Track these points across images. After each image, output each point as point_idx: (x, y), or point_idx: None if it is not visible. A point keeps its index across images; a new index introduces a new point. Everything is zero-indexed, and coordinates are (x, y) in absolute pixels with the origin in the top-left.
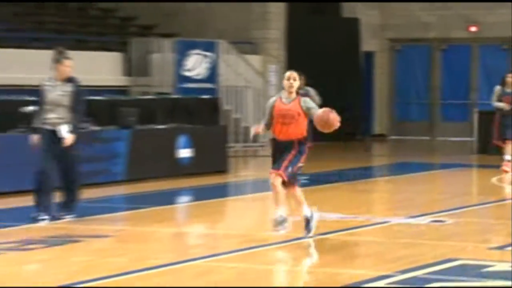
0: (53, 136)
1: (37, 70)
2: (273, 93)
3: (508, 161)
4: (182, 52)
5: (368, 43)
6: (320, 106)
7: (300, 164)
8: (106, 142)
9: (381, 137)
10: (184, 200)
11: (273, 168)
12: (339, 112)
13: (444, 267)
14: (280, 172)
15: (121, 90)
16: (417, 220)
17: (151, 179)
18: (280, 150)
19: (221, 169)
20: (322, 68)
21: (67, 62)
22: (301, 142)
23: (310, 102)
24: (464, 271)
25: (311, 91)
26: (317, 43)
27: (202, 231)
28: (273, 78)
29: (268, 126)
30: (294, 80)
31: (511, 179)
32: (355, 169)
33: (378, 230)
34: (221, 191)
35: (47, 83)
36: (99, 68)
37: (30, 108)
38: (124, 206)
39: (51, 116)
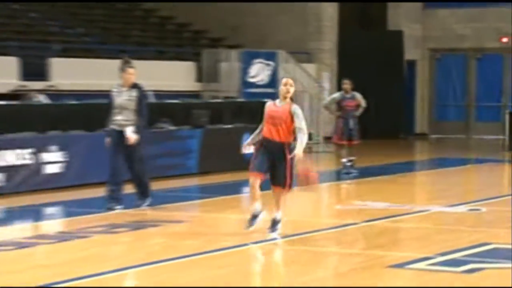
0: (120, 136)
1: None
2: (326, 96)
3: None
4: (247, 61)
5: (410, 53)
6: (365, 109)
7: (294, 170)
8: (181, 140)
9: (422, 136)
10: (248, 191)
11: (276, 184)
12: (385, 114)
13: (478, 251)
14: (287, 189)
15: (194, 95)
16: (455, 209)
17: (220, 172)
18: (269, 150)
19: None
20: (369, 75)
21: (130, 70)
22: (289, 146)
23: (299, 110)
24: (497, 254)
25: (357, 95)
26: (365, 53)
27: (264, 217)
28: (326, 84)
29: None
30: (291, 86)
31: None
32: (399, 163)
33: (420, 217)
34: None
35: (115, 89)
36: (176, 75)
37: None
38: (197, 196)
39: (119, 118)
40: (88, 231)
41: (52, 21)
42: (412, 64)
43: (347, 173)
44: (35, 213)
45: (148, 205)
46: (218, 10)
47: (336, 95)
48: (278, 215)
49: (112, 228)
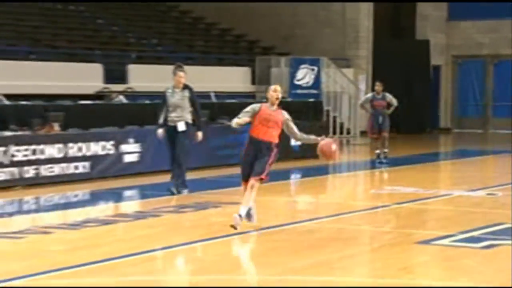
0: (174, 130)
1: (189, 81)
2: (362, 96)
3: None
4: (294, 66)
5: (436, 59)
6: (396, 108)
7: (272, 165)
8: (237, 133)
9: (446, 130)
10: (294, 177)
11: (254, 175)
12: (413, 112)
13: (494, 229)
14: (263, 176)
15: (249, 95)
16: (475, 193)
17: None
18: (257, 149)
19: None
20: (400, 78)
21: (180, 74)
22: (276, 146)
23: (288, 115)
24: (510, 232)
25: (388, 95)
26: (396, 59)
27: (308, 200)
28: (362, 86)
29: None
30: (280, 93)
31: None
32: (426, 154)
33: (444, 201)
34: (323, 171)
35: (169, 90)
36: (233, 79)
37: None
38: None
39: (172, 115)
40: (160, 211)
41: (130, 33)
42: (437, 68)
43: (380, 163)
44: (116, 196)
45: (189, 191)
46: (270, 22)
47: (369, 95)
48: (244, 211)
49: (180, 209)
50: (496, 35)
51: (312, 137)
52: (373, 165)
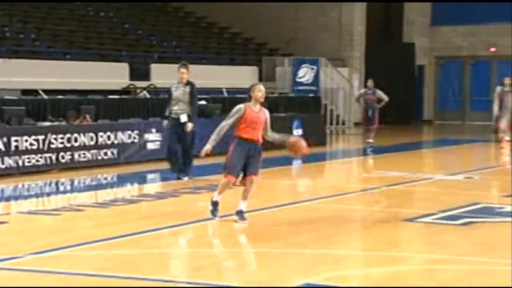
0: (176, 122)
1: (204, 78)
2: (355, 92)
3: (508, 140)
4: (296, 66)
5: (420, 59)
6: (387, 103)
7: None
8: None
9: (428, 122)
10: (295, 163)
11: (253, 173)
12: (400, 105)
13: (471, 208)
14: (259, 175)
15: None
16: (454, 177)
17: (276, 149)
18: (247, 150)
19: (321, 142)
20: (389, 76)
21: (182, 70)
22: (261, 145)
23: (268, 113)
24: (485, 211)
25: (378, 91)
26: (386, 60)
27: (309, 183)
28: (355, 83)
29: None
30: (264, 93)
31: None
32: (411, 143)
33: (427, 183)
34: (321, 157)
35: (174, 85)
36: (243, 76)
37: (202, 102)
38: None
39: (175, 108)
40: (179, 192)
41: (153, 36)
42: (421, 68)
43: (367, 150)
44: (140, 178)
45: (190, 177)
46: (275, 27)
47: (362, 91)
48: (245, 205)
49: (196, 190)
50: (473, 38)
51: (279, 136)
52: (365, 152)
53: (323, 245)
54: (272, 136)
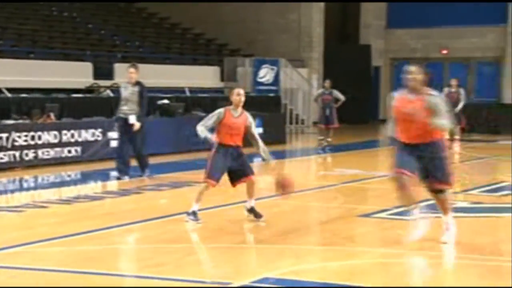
0: (125, 122)
1: (167, 78)
2: (314, 92)
3: (457, 139)
4: (257, 66)
5: (376, 61)
6: (344, 103)
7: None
8: None
9: (384, 121)
10: (257, 160)
11: (250, 174)
12: (357, 105)
13: (423, 204)
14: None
15: (218, 90)
16: None
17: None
18: (229, 154)
19: (281, 141)
20: (346, 77)
21: (131, 70)
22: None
23: (252, 119)
24: (436, 206)
25: (335, 91)
26: (343, 61)
27: (268, 180)
28: (314, 83)
29: (212, 130)
30: (243, 96)
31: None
32: (367, 141)
33: (381, 181)
34: (281, 155)
35: (123, 85)
36: (205, 76)
37: (165, 101)
38: None
39: (124, 108)
40: (142, 189)
41: (116, 36)
42: (377, 69)
43: (323, 149)
44: (103, 176)
45: (148, 175)
46: (237, 28)
47: (320, 91)
48: (253, 202)
49: (158, 187)
50: (427, 41)
51: (269, 157)
52: (323, 150)
53: (282, 240)
54: (263, 149)
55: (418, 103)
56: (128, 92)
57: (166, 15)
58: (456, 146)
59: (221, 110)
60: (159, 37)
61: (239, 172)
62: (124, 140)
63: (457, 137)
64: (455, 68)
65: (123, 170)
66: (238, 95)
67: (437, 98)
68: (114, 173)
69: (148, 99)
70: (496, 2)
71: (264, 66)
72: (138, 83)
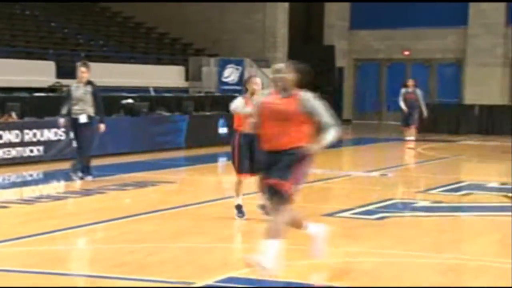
0: (75, 123)
1: (131, 77)
2: None
3: (411, 140)
4: (222, 66)
5: (340, 61)
6: None
7: None
8: (173, 123)
9: (347, 121)
10: (222, 160)
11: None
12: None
13: (385, 204)
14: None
15: (183, 90)
16: (370, 174)
17: (202, 147)
18: (249, 142)
19: None
20: (319, 77)
21: (81, 69)
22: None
23: None
24: (398, 206)
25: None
26: (307, 61)
27: (233, 179)
28: None
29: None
30: (261, 85)
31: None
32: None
33: (345, 180)
34: None
35: (74, 85)
36: (170, 76)
37: (129, 101)
38: (184, 163)
39: (76, 108)
40: (105, 188)
41: (80, 35)
42: (341, 70)
43: None
44: (66, 175)
45: (91, 178)
46: (202, 28)
47: None
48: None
49: (123, 186)
50: (389, 42)
51: None
52: None
53: (247, 240)
54: None
55: (289, 105)
56: (80, 92)
57: (131, 14)
58: (411, 146)
59: (239, 99)
60: (123, 36)
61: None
62: (75, 140)
63: (412, 138)
64: (417, 69)
65: (80, 169)
66: (256, 84)
67: (311, 99)
68: (78, 173)
69: (111, 99)
70: (457, 3)
71: (229, 66)
72: (89, 83)
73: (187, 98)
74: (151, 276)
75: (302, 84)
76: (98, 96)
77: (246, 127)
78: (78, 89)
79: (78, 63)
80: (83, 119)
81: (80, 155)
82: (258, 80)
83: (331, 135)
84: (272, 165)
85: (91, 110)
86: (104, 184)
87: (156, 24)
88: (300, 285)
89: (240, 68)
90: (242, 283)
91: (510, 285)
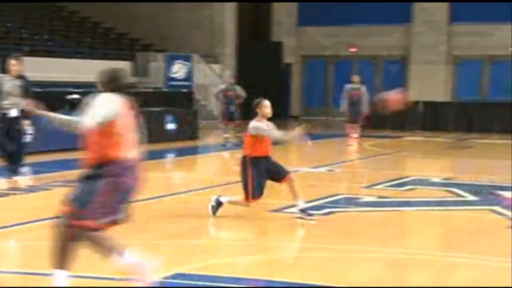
0: (4, 117)
1: (77, 72)
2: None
3: (356, 137)
4: (170, 61)
5: (288, 58)
6: (246, 99)
7: None
8: None
9: (295, 117)
10: (170, 156)
11: (284, 175)
12: (269, 101)
13: (332, 199)
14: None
15: (131, 86)
16: (317, 169)
17: (149, 143)
18: (264, 166)
19: (194, 137)
20: (258, 73)
21: (12, 62)
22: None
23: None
24: (345, 201)
25: (237, 87)
26: (256, 57)
27: (182, 175)
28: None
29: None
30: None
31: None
32: None
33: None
34: (193, 150)
35: (4, 78)
36: None
37: (75, 96)
38: None
39: (5, 102)
40: (50, 185)
41: (24, 29)
42: (289, 66)
43: (224, 145)
44: (9, 172)
45: (23, 177)
46: (149, 23)
47: (223, 86)
48: (302, 202)
49: (68, 183)
50: (336, 39)
51: (289, 136)
52: (237, 146)
53: (195, 236)
54: (285, 137)
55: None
56: (9, 85)
57: (75, 9)
58: (354, 143)
59: (258, 124)
60: (69, 31)
61: (273, 177)
62: (3, 136)
63: (356, 135)
64: (363, 66)
65: (11, 169)
66: (267, 107)
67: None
68: (24, 169)
69: (57, 94)
70: (401, 2)
71: (177, 61)
72: (21, 77)
73: (135, 94)
74: (96, 273)
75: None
76: (29, 90)
77: (258, 153)
78: (7, 82)
79: (9, 57)
80: (13, 113)
81: (14, 153)
82: (268, 103)
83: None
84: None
85: (22, 105)
86: (49, 180)
87: (103, 19)
88: (248, 280)
89: (188, 64)
90: (189, 279)
91: (450, 279)
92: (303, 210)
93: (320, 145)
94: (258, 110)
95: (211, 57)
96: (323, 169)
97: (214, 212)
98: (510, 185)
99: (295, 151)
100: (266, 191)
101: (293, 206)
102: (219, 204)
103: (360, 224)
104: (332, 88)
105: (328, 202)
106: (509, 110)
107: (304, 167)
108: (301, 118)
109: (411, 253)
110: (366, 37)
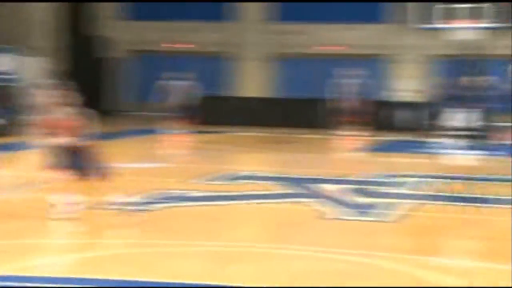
0: None
1: None
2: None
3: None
4: None
5: (111, 52)
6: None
7: None
8: None
9: (111, 112)
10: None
11: None
12: (86, 95)
13: (159, 195)
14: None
15: None
16: (144, 165)
17: None
18: None
19: (15, 132)
20: (82, 68)
21: None
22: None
23: None
24: (172, 196)
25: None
26: (80, 51)
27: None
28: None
29: None
30: None
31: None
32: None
33: (118, 172)
34: (20, 147)
35: None
36: None
37: None
38: None
39: None
40: None
41: None
42: (113, 60)
43: None
44: None
45: None
46: None
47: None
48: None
49: None
50: (163, 34)
51: None
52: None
53: (15, 237)
54: None
55: None
56: None
57: None
58: (181, 139)
59: None
60: None
61: None
62: None
63: (185, 130)
64: (193, 62)
65: None
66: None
67: None
68: None
69: None
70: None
71: None
72: None
73: None
74: None
75: None
76: None
77: None
78: None
79: None
80: None
81: None
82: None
83: None
84: None
85: None
86: None
87: None
88: (66, 279)
89: (7, 55)
90: (3, 281)
91: (278, 270)
92: (118, 204)
93: (145, 140)
94: None
95: (29, 50)
96: (149, 165)
97: (55, 213)
98: (331, 178)
99: (119, 146)
100: (92, 188)
101: (118, 203)
102: (55, 204)
103: (185, 219)
104: (149, 84)
105: (154, 198)
106: (307, 106)
107: (131, 163)
108: (132, 114)
109: (236, 246)
110: (197, 32)
